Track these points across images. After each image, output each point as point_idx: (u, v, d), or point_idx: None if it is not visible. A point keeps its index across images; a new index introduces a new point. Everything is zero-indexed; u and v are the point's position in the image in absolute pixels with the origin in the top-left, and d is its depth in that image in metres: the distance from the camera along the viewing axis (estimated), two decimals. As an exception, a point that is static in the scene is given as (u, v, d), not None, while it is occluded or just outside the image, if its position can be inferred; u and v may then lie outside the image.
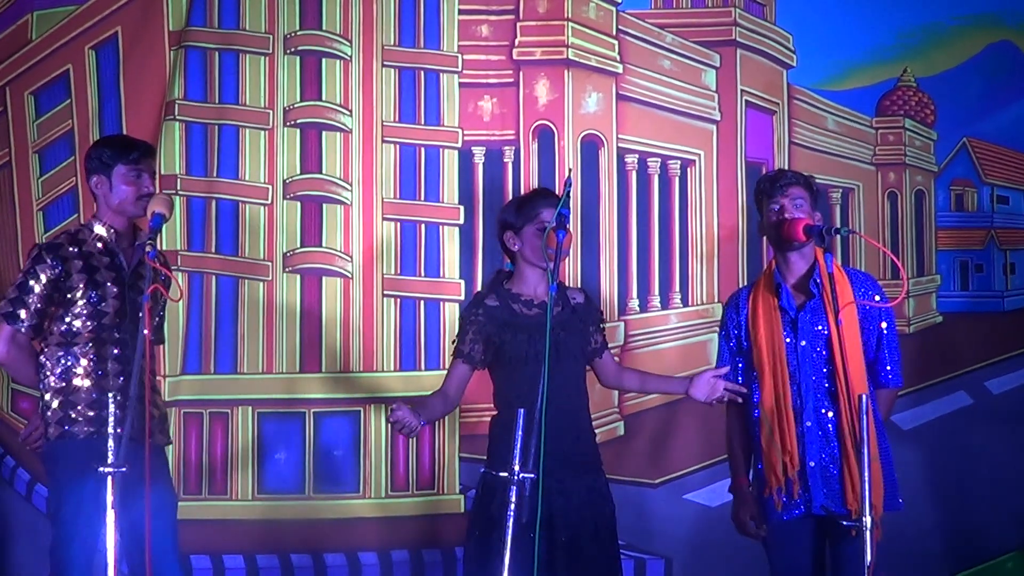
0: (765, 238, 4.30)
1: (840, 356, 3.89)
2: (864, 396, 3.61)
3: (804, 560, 4.06)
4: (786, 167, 5.58)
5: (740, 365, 4.19)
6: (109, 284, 4.16)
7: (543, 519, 3.95)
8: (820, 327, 3.99)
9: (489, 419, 4.25)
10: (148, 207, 4.03)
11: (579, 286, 5.19)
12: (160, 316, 4.42)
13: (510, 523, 3.48)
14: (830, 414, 3.98)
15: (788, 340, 4.01)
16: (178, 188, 5.37)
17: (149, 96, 5.46)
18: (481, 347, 4.18)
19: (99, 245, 4.20)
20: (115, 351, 4.17)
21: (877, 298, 4.07)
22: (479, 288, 5.41)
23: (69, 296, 4.13)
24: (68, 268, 4.13)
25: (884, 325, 4.10)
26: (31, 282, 4.12)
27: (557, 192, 4.26)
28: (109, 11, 5.50)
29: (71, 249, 4.16)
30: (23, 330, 4.13)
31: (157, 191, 4.23)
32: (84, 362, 4.15)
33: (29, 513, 5.37)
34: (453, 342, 4.28)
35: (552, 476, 3.97)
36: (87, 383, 4.14)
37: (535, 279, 4.21)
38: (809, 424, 3.99)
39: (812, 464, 3.99)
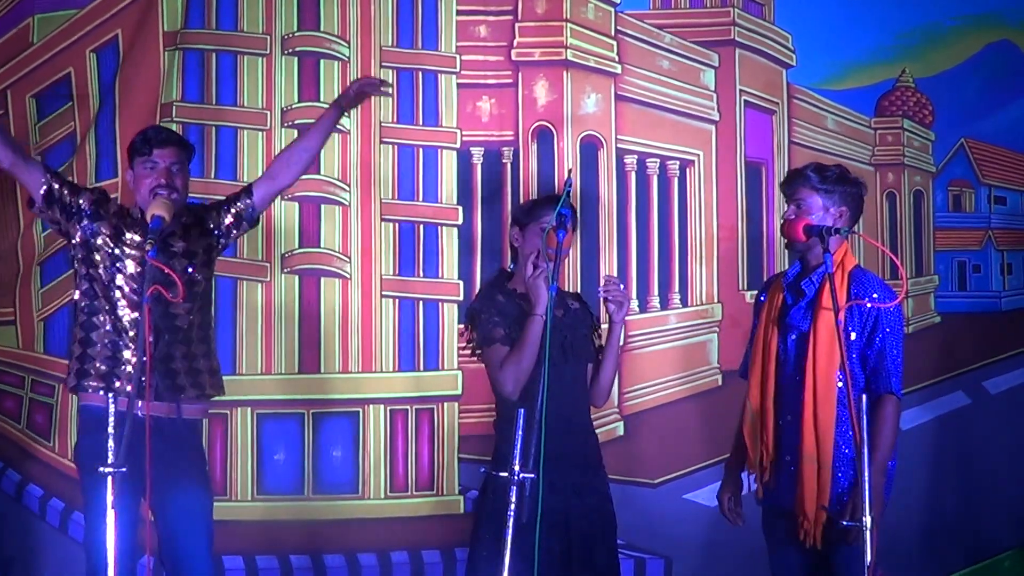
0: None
1: (812, 356, 3.93)
2: (864, 397, 3.63)
3: (802, 560, 4.05)
4: (786, 167, 5.59)
5: None
6: (129, 248, 4.16)
7: (559, 520, 4.00)
8: (804, 325, 4.01)
9: (487, 419, 4.24)
10: (148, 210, 4.03)
11: (578, 289, 5.22)
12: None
13: (510, 523, 3.49)
14: (803, 411, 3.98)
15: (780, 337, 4.05)
16: (177, 189, 5.35)
17: (141, 96, 5.41)
18: (507, 327, 4.14)
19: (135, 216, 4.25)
20: (135, 316, 4.14)
21: (870, 303, 4.01)
22: (477, 288, 5.41)
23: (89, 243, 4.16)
24: (100, 211, 4.21)
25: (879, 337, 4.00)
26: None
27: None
28: (110, 14, 5.47)
29: (110, 206, 4.25)
30: (46, 174, 4.22)
31: (169, 176, 4.18)
32: (101, 328, 4.17)
33: (21, 514, 5.37)
34: (471, 331, 4.23)
35: (566, 477, 4.03)
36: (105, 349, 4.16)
37: (535, 278, 4.21)
38: (789, 418, 4.02)
39: (788, 459, 4.01)
